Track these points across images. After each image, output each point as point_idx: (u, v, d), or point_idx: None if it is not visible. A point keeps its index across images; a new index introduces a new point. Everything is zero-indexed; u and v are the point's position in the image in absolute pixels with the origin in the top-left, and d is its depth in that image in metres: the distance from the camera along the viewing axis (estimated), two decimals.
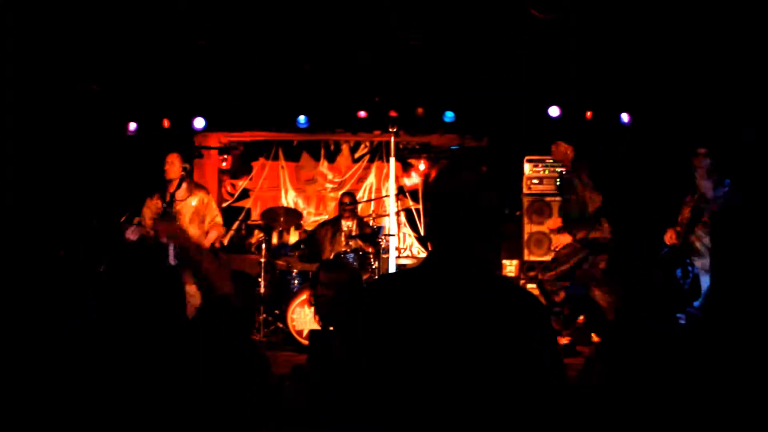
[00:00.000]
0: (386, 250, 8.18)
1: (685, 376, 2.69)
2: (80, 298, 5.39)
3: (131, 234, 6.03)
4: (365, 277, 7.83)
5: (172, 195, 6.04)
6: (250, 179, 10.59)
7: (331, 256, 8.06)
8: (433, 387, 2.00)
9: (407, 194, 10.35)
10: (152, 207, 6.52)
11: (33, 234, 7.02)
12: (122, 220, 6.36)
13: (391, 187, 8.08)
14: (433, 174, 9.90)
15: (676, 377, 2.66)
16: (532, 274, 8.27)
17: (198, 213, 6.62)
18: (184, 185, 6.43)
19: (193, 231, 6.48)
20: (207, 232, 6.76)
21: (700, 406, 2.68)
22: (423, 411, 1.99)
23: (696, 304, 3.07)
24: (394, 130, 7.96)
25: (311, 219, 10.25)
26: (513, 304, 2.07)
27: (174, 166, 6.49)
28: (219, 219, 6.94)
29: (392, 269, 8.04)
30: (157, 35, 7.91)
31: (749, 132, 6.47)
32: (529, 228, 8.46)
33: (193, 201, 6.57)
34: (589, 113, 8.88)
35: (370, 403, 2.11)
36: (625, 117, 8.78)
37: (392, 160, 8.01)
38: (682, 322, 2.89)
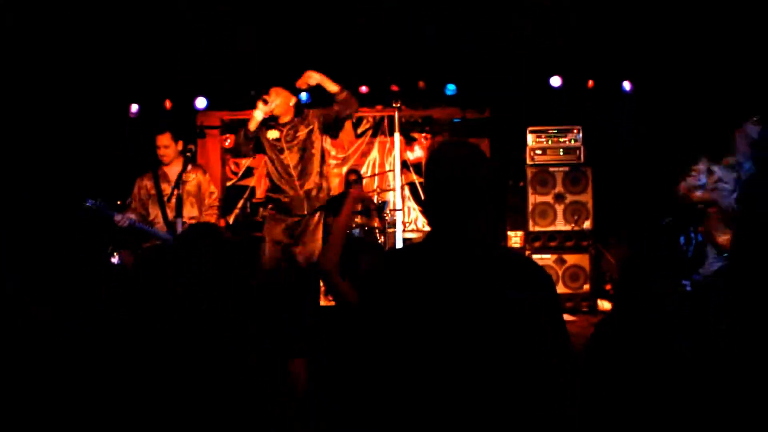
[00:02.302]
0: (392, 225, 8.21)
1: (693, 345, 2.72)
2: (85, 293, 5.42)
3: (121, 220, 5.89)
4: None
5: (179, 177, 5.90)
6: (254, 157, 10.59)
7: None
8: (436, 365, 2.02)
9: (411, 168, 10.36)
10: (144, 187, 6.34)
11: (32, 222, 7.06)
12: (118, 203, 6.27)
13: (396, 162, 8.08)
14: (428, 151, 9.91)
15: (684, 346, 2.68)
16: (537, 245, 8.29)
17: (198, 194, 6.47)
18: (189, 166, 6.26)
19: (194, 212, 6.37)
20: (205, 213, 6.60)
21: (708, 376, 2.70)
22: (426, 390, 2.01)
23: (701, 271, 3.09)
24: (398, 105, 7.95)
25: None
26: (516, 278, 2.09)
27: (170, 149, 6.32)
28: (216, 201, 6.77)
29: (399, 243, 8.07)
30: (156, 15, 7.90)
31: None
32: (533, 199, 8.46)
33: (195, 182, 6.41)
34: (590, 82, 8.88)
35: (373, 384, 2.14)
36: (626, 85, 8.78)
37: (397, 135, 8.00)
38: (688, 289, 2.91)
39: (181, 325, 2.77)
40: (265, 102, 6.11)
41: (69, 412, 2.86)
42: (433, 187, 2.22)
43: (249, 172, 10.59)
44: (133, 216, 6.04)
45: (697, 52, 7.41)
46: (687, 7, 7.23)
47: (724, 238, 4.06)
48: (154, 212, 6.20)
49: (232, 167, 10.55)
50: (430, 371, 2.03)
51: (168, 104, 9.29)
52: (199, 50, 8.51)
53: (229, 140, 10.00)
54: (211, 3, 7.91)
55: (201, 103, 9.30)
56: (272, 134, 6.20)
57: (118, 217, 5.86)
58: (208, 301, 2.84)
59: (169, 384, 2.70)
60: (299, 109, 6.29)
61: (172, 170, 6.24)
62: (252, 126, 6.13)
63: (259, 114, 6.10)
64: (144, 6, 7.74)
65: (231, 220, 10.30)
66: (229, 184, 10.50)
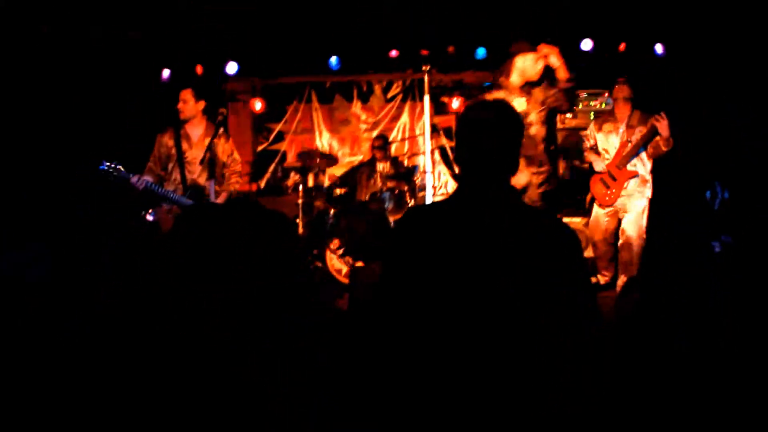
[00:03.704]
0: (422, 188, 8.25)
1: (719, 306, 2.74)
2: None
3: (138, 182, 5.71)
4: (400, 215, 7.93)
5: (212, 141, 5.80)
6: (285, 122, 10.66)
7: (367, 197, 8.16)
8: (460, 318, 2.07)
9: (441, 132, 10.36)
10: (164, 145, 6.11)
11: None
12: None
13: (426, 126, 8.09)
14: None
15: (709, 307, 2.71)
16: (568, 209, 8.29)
17: (219, 158, 6.20)
18: (221, 130, 6.06)
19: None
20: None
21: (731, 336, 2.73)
22: (452, 344, 2.06)
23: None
24: (428, 69, 7.94)
25: (346, 160, 10.31)
26: (543, 236, 2.13)
27: (188, 105, 6.11)
28: (239, 167, 6.47)
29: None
30: None
31: None
32: (563, 162, 8.44)
33: (221, 148, 6.19)
34: (622, 45, 8.79)
35: (396, 338, 2.18)
36: (659, 48, 8.68)
37: (426, 98, 8.01)
38: (717, 249, 2.92)
39: (181, 324, 2.82)
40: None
41: (68, 412, 2.92)
42: (463, 145, 2.27)
43: (280, 136, 10.65)
44: (149, 178, 5.84)
45: (729, 14, 7.33)
46: None
47: None
48: (174, 173, 6.03)
49: (264, 132, 10.63)
50: (456, 317, 2.07)
51: (199, 69, 9.35)
52: (230, 16, 8.53)
53: (260, 104, 10.05)
54: None
55: (232, 68, 9.35)
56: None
57: (134, 179, 5.72)
58: (211, 300, 2.88)
59: (168, 384, 2.75)
60: None
61: (195, 131, 6.07)
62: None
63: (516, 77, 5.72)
64: None
65: (262, 184, 10.40)
66: (260, 148, 10.58)
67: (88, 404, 2.77)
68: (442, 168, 10.28)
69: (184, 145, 6.02)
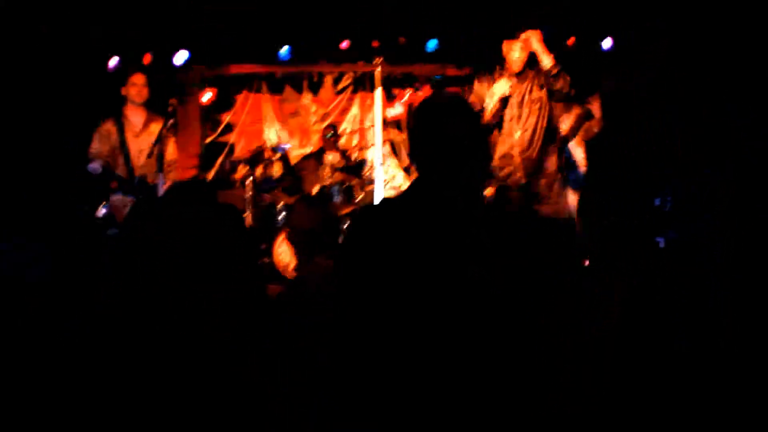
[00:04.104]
0: (371, 181, 8.23)
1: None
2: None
3: (96, 168, 5.61)
4: (349, 209, 7.90)
5: (160, 135, 5.65)
6: (234, 113, 10.54)
7: (315, 190, 8.11)
8: (425, 322, 2.04)
9: (391, 124, 10.34)
10: (104, 133, 6.02)
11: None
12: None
13: (377, 119, 8.07)
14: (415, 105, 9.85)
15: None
16: None
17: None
18: (171, 122, 5.91)
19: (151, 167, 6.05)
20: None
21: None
22: (409, 351, 2.04)
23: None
24: (380, 61, 7.91)
25: (295, 152, 10.23)
26: (511, 233, 2.13)
27: (140, 88, 6.05)
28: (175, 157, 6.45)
29: (379, 199, 8.10)
30: None
31: None
32: None
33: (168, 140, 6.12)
34: (571, 39, 8.82)
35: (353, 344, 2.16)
36: (607, 42, 8.73)
37: (378, 91, 7.98)
38: (662, 246, 2.95)
39: (180, 324, 2.78)
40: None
41: (68, 411, 2.87)
42: (417, 139, 2.25)
43: (228, 128, 10.53)
44: (102, 163, 5.77)
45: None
46: None
47: None
48: (120, 162, 5.95)
49: (211, 124, 10.50)
50: (421, 322, 2.05)
51: (147, 58, 9.19)
52: (178, 3, 8.41)
53: (210, 94, 9.91)
54: None
55: (181, 57, 9.20)
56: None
57: (94, 165, 5.64)
58: (208, 299, 2.84)
59: (168, 384, 2.73)
60: None
61: (136, 119, 5.99)
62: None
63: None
64: None
65: (210, 177, 10.28)
66: (208, 140, 10.45)
67: (88, 404, 2.73)
68: (391, 161, 10.25)
69: (128, 134, 5.90)
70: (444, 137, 2.17)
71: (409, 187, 2.28)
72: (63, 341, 3.17)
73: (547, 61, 5.45)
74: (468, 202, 2.19)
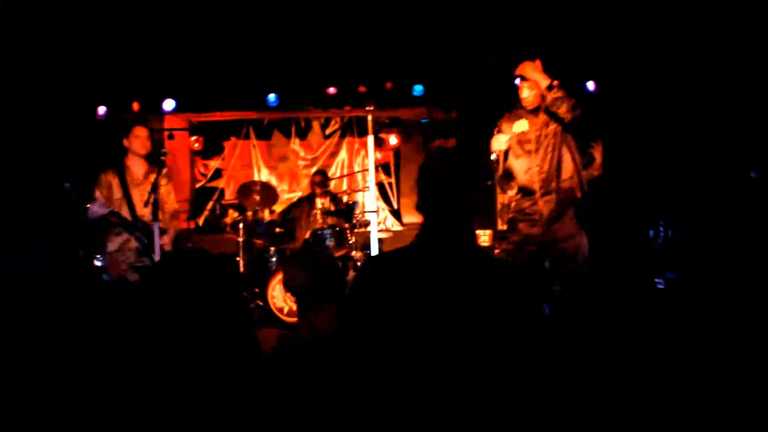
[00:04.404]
0: (362, 224, 8.28)
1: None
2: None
3: (97, 208, 5.66)
4: (342, 252, 7.94)
5: (155, 183, 5.74)
6: (222, 159, 10.61)
7: (308, 234, 8.15)
8: (423, 370, 2.07)
9: (379, 168, 10.43)
10: (106, 184, 5.97)
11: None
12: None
13: (371, 164, 8.18)
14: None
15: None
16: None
17: (166, 196, 6.24)
18: (165, 170, 5.98)
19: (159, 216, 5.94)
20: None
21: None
22: (416, 397, 2.07)
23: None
24: (371, 108, 8.02)
25: (285, 196, 10.30)
26: (505, 285, 2.17)
27: (140, 140, 6.05)
28: (177, 205, 6.48)
29: (374, 243, 8.17)
30: (125, 18, 7.87)
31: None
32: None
33: (164, 188, 6.16)
34: (555, 82, 8.95)
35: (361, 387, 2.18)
36: (590, 85, 8.90)
37: (371, 138, 8.11)
38: (661, 286, 3.01)
39: (181, 325, 2.83)
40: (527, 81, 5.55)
41: (69, 412, 2.88)
42: (427, 190, 2.30)
43: (218, 173, 10.60)
44: (107, 208, 5.81)
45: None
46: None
47: None
48: (123, 211, 5.94)
49: (201, 169, 10.56)
50: (420, 377, 2.08)
51: (136, 106, 9.25)
52: (166, 53, 8.49)
53: (198, 143, 10.01)
54: (177, 8, 7.89)
55: (169, 105, 9.27)
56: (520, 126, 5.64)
57: (95, 207, 5.68)
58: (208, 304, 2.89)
59: (169, 384, 2.75)
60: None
61: (137, 168, 6.10)
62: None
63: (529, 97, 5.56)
64: (110, 8, 7.70)
65: (201, 222, 10.32)
66: (198, 185, 10.51)
67: (89, 404, 2.73)
68: (380, 204, 10.34)
69: (129, 184, 5.98)
70: (451, 187, 2.25)
71: (417, 239, 2.33)
72: (63, 341, 3.19)
73: (544, 83, 5.51)
74: (472, 246, 2.25)
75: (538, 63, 5.59)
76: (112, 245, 5.89)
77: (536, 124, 5.53)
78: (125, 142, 6.06)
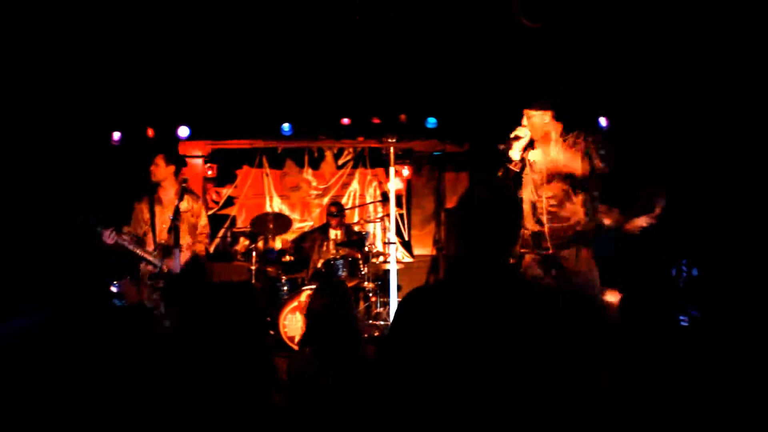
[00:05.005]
0: (375, 255, 8.30)
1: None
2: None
3: (108, 238, 5.82)
4: (354, 282, 7.96)
5: (177, 209, 5.95)
6: (235, 187, 10.66)
7: (320, 264, 8.16)
8: (462, 398, 2.10)
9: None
10: (141, 211, 6.33)
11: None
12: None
13: (391, 193, 8.27)
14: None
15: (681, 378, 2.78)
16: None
17: (192, 221, 6.50)
18: (186, 196, 6.29)
19: (188, 239, 6.38)
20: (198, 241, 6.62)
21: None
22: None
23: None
24: (394, 140, 8.11)
25: (296, 225, 10.33)
26: (542, 317, 2.19)
27: (160, 168, 6.37)
28: (207, 228, 6.79)
29: (392, 274, 8.19)
30: (141, 44, 7.95)
31: None
32: None
33: (190, 212, 6.44)
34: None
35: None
36: (603, 121, 8.94)
37: (392, 169, 8.19)
38: (684, 324, 3.02)
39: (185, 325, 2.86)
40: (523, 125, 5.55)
41: (70, 411, 2.89)
42: (463, 227, 2.32)
43: (230, 201, 10.64)
44: (124, 236, 5.98)
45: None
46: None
47: None
48: (149, 237, 6.20)
49: (213, 196, 10.60)
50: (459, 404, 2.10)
51: (150, 132, 9.31)
52: (181, 79, 8.56)
53: (211, 170, 10.06)
54: (193, 31, 7.97)
55: (183, 132, 9.33)
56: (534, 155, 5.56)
57: (106, 234, 5.82)
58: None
59: (170, 383, 2.77)
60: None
61: (167, 195, 6.32)
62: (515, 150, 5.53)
63: (523, 131, 5.52)
64: (126, 34, 7.79)
65: (211, 249, 10.33)
66: (209, 213, 10.53)
67: (91, 404, 2.75)
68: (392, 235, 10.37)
69: (157, 208, 6.20)
70: (484, 228, 2.27)
71: (452, 271, 2.35)
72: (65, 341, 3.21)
73: (556, 132, 5.50)
74: (507, 285, 2.27)
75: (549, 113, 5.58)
76: (128, 272, 6.02)
77: (547, 155, 5.50)
78: (151, 170, 6.28)
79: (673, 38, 7.25)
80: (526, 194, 5.52)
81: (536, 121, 5.54)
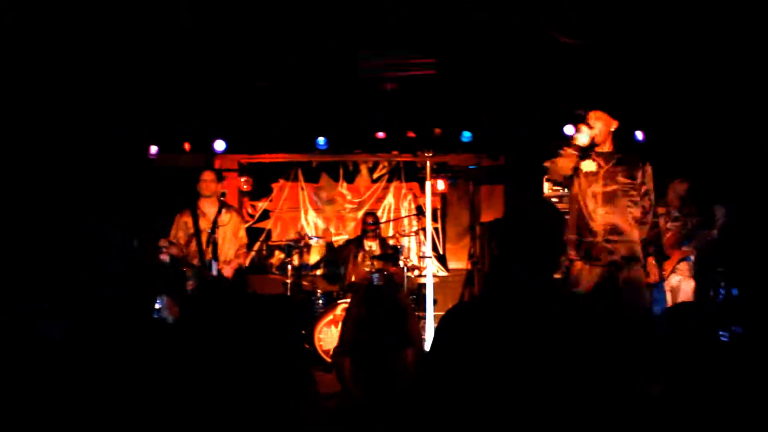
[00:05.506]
0: (409, 269, 8.29)
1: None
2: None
3: (164, 257, 6.11)
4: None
5: (215, 221, 6.13)
6: (270, 200, 10.71)
7: (353, 277, 8.17)
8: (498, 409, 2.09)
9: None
10: (184, 224, 6.56)
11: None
12: (159, 244, 6.34)
13: (428, 209, 8.27)
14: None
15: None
16: None
17: (232, 234, 6.71)
18: (224, 210, 6.51)
19: (230, 254, 6.57)
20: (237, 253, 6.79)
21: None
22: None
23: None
24: (430, 154, 8.14)
25: (332, 239, 10.36)
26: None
27: (209, 183, 6.62)
28: (245, 239, 7.01)
29: (429, 288, 8.17)
30: (178, 60, 8.04)
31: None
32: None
33: (231, 224, 6.67)
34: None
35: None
36: (639, 134, 8.87)
37: (428, 183, 8.20)
38: (725, 339, 2.98)
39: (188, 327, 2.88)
40: (589, 126, 5.42)
41: (71, 411, 2.91)
42: (508, 246, 2.32)
43: (265, 214, 10.70)
44: (174, 251, 6.30)
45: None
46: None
47: None
48: (194, 249, 6.38)
49: (249, 210, 10.66)
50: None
51: (187, 146, 9.40)
52: (218, 94, 8.64)
53: (246, 183, 10.12)
54: (229, 46, 8.04)
55: (220, 146, 9.40)
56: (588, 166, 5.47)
57: (163, 256, 6.07)
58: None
59: (170, 384, 2.78)
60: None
61: (210, 208, 6.47)
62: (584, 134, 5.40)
63: (584, 138, 5.38)
64: (165, 51, 7.88)
65: (247, 262, 10.39)
66: (245, 226, 10.58)
67: (92, 404, 2.77)
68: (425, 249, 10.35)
69: (201, 222, 6.46)
70: (528, 239, 2.27)
71: (492, 288, 2.35)
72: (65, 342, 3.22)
73: (613, 126, 5.42)
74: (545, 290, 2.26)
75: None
76: (174, 286, 6.18)
77: (606, 167, 5.39)
78: (197, 186, 6.46)
79: (707, 50, 7.19)
80: (578, 205, 5.44)
81: (601, 124, 5.46)
